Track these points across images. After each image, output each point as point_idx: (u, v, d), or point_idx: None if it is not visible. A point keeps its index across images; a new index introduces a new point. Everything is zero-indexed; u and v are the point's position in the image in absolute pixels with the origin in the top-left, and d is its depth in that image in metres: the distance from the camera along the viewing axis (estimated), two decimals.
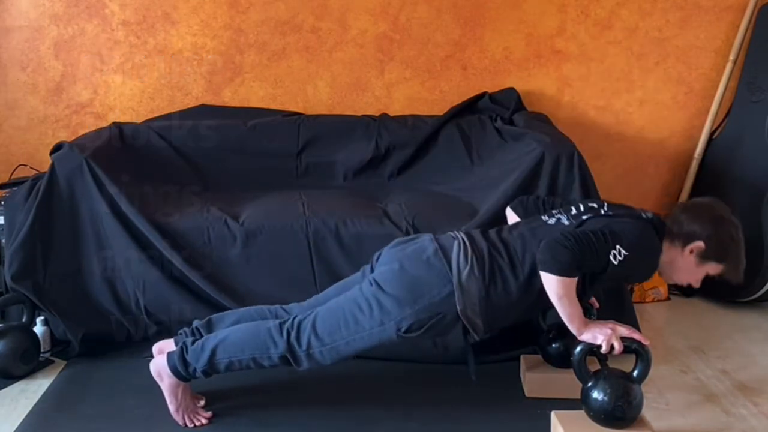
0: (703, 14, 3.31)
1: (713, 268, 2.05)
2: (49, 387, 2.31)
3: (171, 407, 2.08)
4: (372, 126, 3.16)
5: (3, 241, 2.65)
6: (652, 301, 3.18)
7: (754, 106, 3.19)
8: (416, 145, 3.09)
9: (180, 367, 2.03)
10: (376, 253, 2.14)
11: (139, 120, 3.23)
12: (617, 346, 1.92)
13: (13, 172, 3.07)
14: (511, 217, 2.30)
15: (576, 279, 1.90)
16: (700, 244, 2.01)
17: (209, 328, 2.16)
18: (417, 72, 3.35)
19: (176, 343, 2.12)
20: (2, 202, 2.69)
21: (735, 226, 2.04)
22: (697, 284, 2.11)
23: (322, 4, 3.27)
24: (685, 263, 2.05)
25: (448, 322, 1.98)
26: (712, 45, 3.34)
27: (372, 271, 2.10)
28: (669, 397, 2.31)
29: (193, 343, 2.06)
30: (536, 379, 2.27)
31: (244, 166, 3.06)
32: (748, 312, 3.04)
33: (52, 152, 2.71)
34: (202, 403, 2.15)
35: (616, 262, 1.89)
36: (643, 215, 2.05)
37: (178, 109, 3.28)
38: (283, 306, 2.20)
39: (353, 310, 2.00)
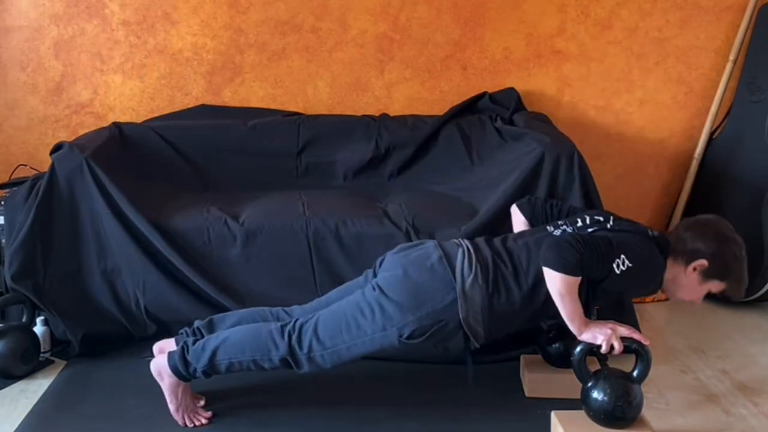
0: (703, 14, 3.31)
1: (716, 286, 2.05)
2: (49, 387, 2.31)
3: (171, 407, 2.08)
4: (372, 126, 3.15)
5: (3, 241, 2.65)
6: (652, 301, 3.18)
7: (754, 106, 3.19)
8: (416, 145, 3.09)
9: (180, 366, 2.03)
10: (379, 258, 2.14)
11: (139, 120, 3.23)
12: (617, 346, 1.92)
13: (13, 172, 3.06)
14: (516, 215, 2.29)
15: (579, 279, 1.89)
16: (703, 262, 2.01)
17: (210, 328, 2.16)
18: (417, 72, 3.35)
19: (177, 343, 2.12)
20: (2, 202, 2.69)
21: (739, 245, 2.03)
22: (699, 302, 2.11)
23: (322, 4, 3.27)
24: (688, 281, 2.04)
25: (450, 329, 1.98)
26: (712, 45, 3.34)
27: (375, 275, 2.10)
28: (669, 397, 2.31)
29: (194, 343, 2.06)
30: (536, 379, 2.27)
31: (244, 166, 3.06)
32: (748, 312, 3.04)
33: (52, 152, 2.70)
34: (202, 403, 2.15)
35: (618, 272, 1.89)
36: (649, 233, 2.04)
37: (178, 109, 3.28)
38: (285, 308, 2.20)
39: (355, 314, 2.00)
